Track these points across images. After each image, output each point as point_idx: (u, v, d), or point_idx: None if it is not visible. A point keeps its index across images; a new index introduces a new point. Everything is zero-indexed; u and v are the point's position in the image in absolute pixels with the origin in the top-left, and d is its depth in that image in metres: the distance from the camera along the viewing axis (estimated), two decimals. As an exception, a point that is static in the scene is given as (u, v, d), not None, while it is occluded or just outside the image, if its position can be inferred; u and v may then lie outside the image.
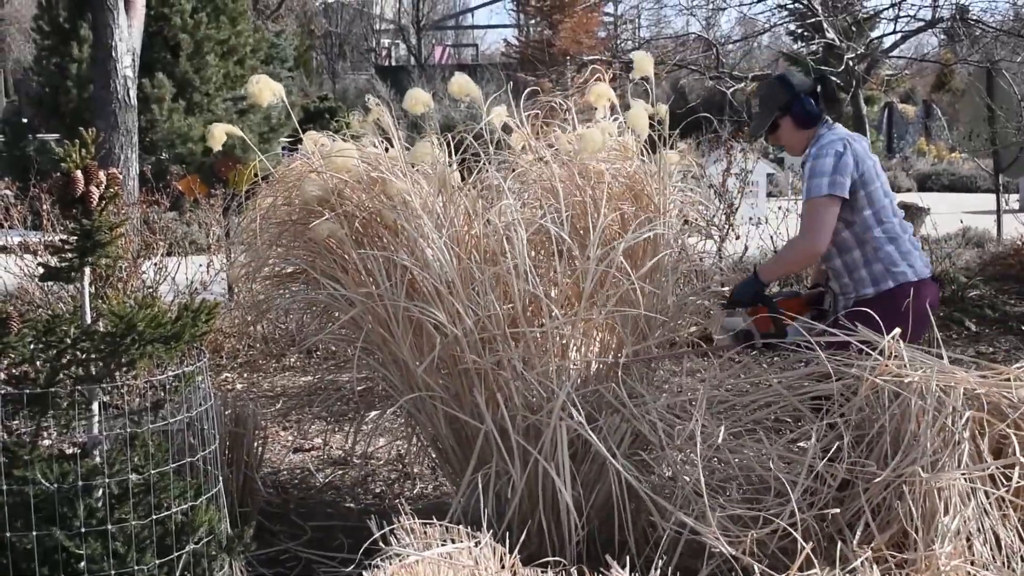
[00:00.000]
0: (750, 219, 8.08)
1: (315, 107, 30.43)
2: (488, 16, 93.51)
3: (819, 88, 4.49)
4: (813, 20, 10.93)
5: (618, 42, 25.26)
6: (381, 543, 3.38)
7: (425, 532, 3.40)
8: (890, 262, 4.30)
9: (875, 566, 3.44)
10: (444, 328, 4.12)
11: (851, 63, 10.63)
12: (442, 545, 3.31)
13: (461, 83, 4.63)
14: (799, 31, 23.62)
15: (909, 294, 4.22)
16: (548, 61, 26.90)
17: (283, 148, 20.81)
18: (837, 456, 3.69)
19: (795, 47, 24.66)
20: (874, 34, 13.40)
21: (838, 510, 3.68)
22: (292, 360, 7.43)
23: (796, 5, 11.92)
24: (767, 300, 4.37)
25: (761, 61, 21.28)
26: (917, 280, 4.30)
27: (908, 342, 3.94)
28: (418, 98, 4.66)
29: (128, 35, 9.81)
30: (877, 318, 3.98)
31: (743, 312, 4.41)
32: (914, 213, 12.83)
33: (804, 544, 3.34)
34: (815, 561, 3.37)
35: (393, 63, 49.33)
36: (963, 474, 3.56)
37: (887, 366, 3.77)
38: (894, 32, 11.66)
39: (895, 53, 12.69)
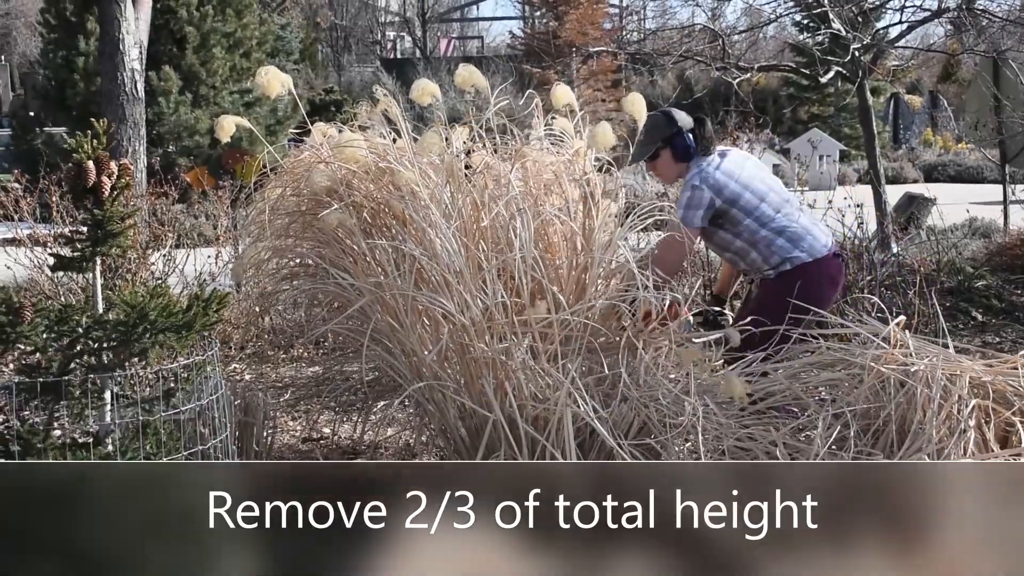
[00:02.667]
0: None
1: (321, 100, 30.46)
2: (493, 8, 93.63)
3: (698, 129, 4.93)
4: (819, 10, 10.90)
5: (624, 33, 25.27)
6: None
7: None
8: (785, 252, 4.79)
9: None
10: (452, 317, 4.15)
11: (857, 53, 10.61)
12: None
13: (466, 74, 4.66)
14: (805, 21, 23.56)
15: (806, 274, 4.73)
16: (554, 53, 26.89)
17: (289, 140, 20.86)
18: (844, 445, 3.72)
19: (801, 37, 24.65)
20: (880, 24, 13.39)
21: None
22: (300, 351, 7.45)
23: (802, -4, 11.91)
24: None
25: (767, 52, 21.28)
26: (812, 260, 4.77)
27: (815, 311, 4.46)
28: (425, 89, 4.66)
29: (135, 28, 9.84)
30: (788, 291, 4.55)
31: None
32: (920, 204, 12.84)
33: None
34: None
35: (398, 56, 49.28)
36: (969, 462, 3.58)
37: (893, 355, 3.79)
38: (900, 22, 11.61)
39: (901, 43, 12.64)
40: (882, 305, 4.49)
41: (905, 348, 3.81)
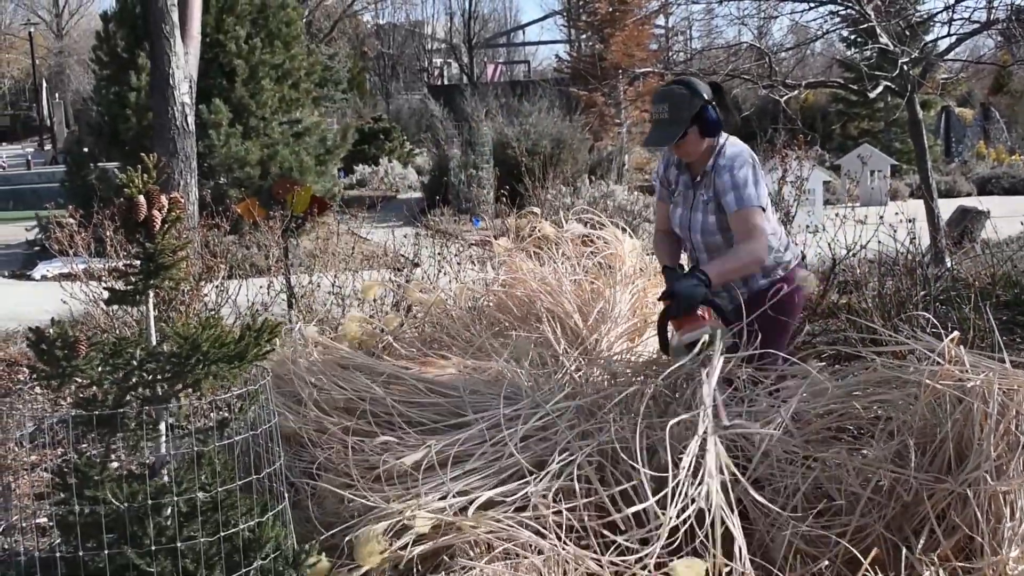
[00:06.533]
0: (807, 227, 8.03)
1: (370, 128, 30.72)
2: (539, 32, 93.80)
3: (717, 96, 4.58)
4: (866, 25, 10.84)
5: (670, 54, 25.23)
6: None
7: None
8: (777, 254, 4.59)
9: (942, 572, 3.42)
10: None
11: (906, 68, 10.54)
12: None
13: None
14: (852, 37, 23.43)
15: (792, 280, 4.58)
16: (600, 75, 26.95)
17: (339, 170, 21.01)
18: (904, 466, 3.68)
19: (848, 53, 24.49)
20: (928, 38, 13.29)
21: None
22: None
23: (849, 11, 11.83)
24: (714, 303, 4.33)
25: (815, 68, 21.18)
26: (796, 264, 4.66)
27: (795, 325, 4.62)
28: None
29: (185, 62, 9.96)
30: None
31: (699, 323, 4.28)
32: (974, 217, 12.71)
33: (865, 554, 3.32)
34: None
35: (445, 82, 49.59)
36: (1029, 478, 3.52)
37: (948, 371, 3.75)
38: (949, 35, 11.52)
39: (950, 56, 12.55)
40: (935, 321, 4.43)
41: (961, 364, 3.76)
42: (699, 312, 4.30)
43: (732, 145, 4.51)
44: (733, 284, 4.57)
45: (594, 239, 6.05)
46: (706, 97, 4.48)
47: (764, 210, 4.42)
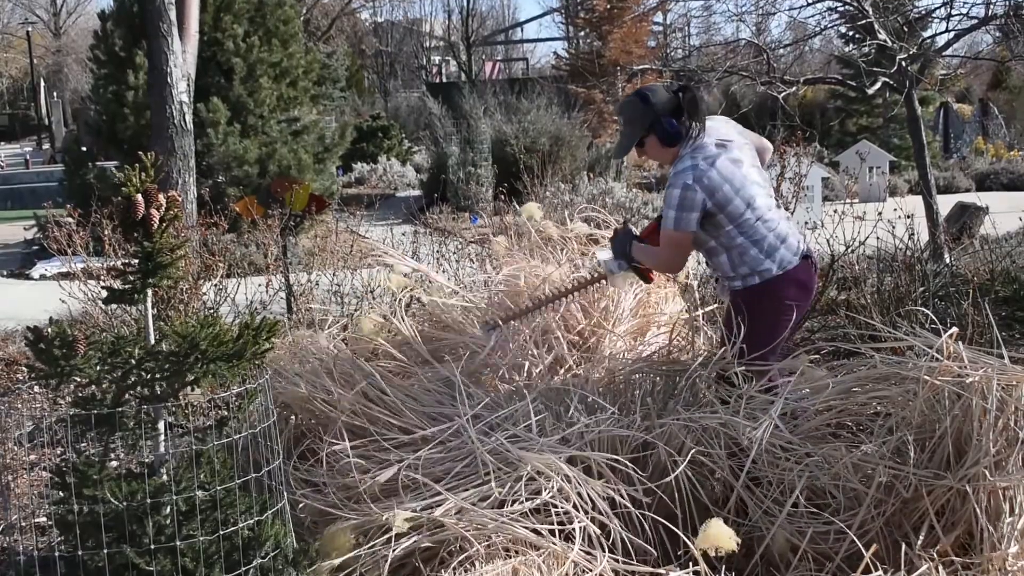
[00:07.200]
0: (805, 223, 8.04)
1: (368, 126, 30.69)
2: (537, 30, 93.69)
3: (681, 98, 4.58)
4: (864, 22, 10.82)
5: (668, 51, 25.24)
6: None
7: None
8: (755, 264, 4.55)
9: (941, 568, 3.42)
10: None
11: (904, 64, 10.53)
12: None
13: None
14: (850, 33, 23.40)
15: (777, 286, 4.56)
16: (598, 72, 26.94)
17: (338, 168, 20.99)
18: (903, 462, 3.68)
19: (847, 49, 24.47)
20: (926, 34, 13.27)
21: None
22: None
23: (847, 8, 11.82)
24: (633, 263, 4.87)
25: (813, 65, 21.18)
26: (783, 272, 4.56)
27: (791, 321, 4.57)
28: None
29: (182, 61, 9.96)
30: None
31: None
32: (972, 213, 12.70)
33: (866, 549, 3.32)
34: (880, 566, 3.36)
35: (444, 79, 49.54)
36: (1028, 474, 3.52)
37: (947, 367, 3.75)
38: (947, 31, 11.51)
39: (948, 52, 12.55)
40: (934, 317, 4.43)
41: (959, 360, 3.76)
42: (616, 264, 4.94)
43: (686, 158, 4.54)
44: (722, 276, 4.74)
45: (599, 239, 6.04)
46: (659, 108, 4.55)
47: (676, 234, 4.52)
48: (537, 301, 5.15)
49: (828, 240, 7.68)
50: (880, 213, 7.47)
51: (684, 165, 4.49)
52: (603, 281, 5.10)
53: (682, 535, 3.65)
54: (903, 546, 3.55)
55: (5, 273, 14.76)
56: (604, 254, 5.11)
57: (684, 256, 4.65)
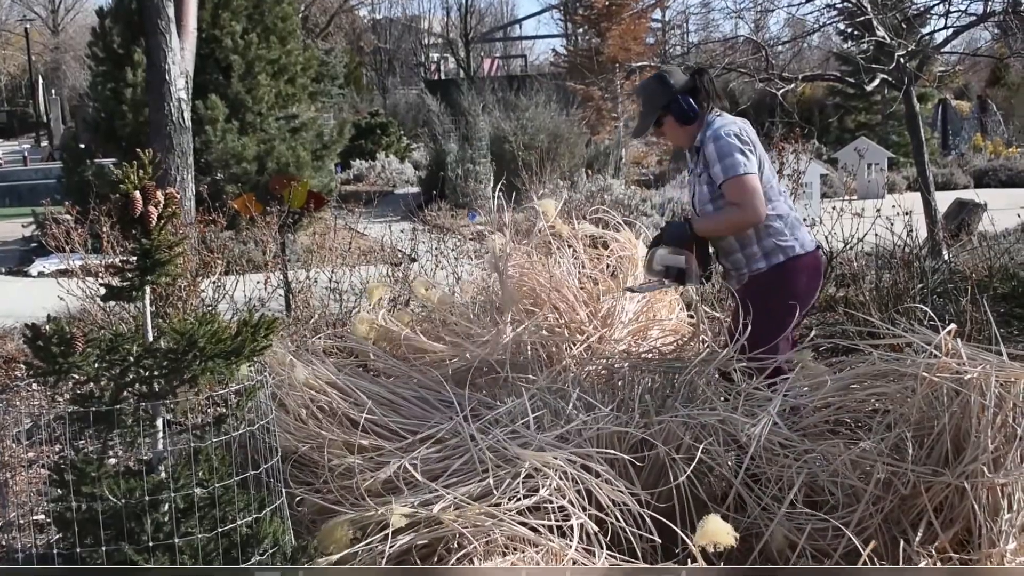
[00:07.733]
0: (804, 220, 8.04)
1: (366, 123, 30.68)
2: (536, 27, 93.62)
3: (697, 82, 4.71)
4: (863, 19, 10.83)
5: (666, 47, 25.23)
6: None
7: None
8: (779, 236, 4.58)
9: (940, 565, 3.42)
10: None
11: (902, 60, 10.53)
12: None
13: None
14: (849, 30, 23.39)
15: (798, 267, 4.59)
16: (597, 69, 26.96)
17: (336, 165, 20.98)
18: (902, 459, 3.68)
19: (845, 46, 24.47)
20: (925, 31, 13.29)
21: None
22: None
23: (845, 4, 11.82)
24: (699, 240, 4.67)
25: (811, 62, 21.15)
26: (804, 253, 4.62)
27: (800, 310, 4.49)
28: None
29: (181, 58, 9.95)
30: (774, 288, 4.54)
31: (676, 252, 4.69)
32: (971, 210, 12.69)
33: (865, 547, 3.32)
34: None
35: (442, 76, 49.53)
36: (1026, 470, 3.52)
37: (945, 363, 3.74)
38: (945, 28, 11.53)
39: (947, 49, 12.57)
40: (933, 314, 4.43)
41: (958, 356, 3.76)
42: (682, 252, 4.67)
43: (720, 118, 4.62)
44: (739, 264, 4.69)
45: (607, 240, 6.01)
46: (677, 87, 4.67)
47: (750, 175, 4.47)
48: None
49: (827, 237, 7.69)
50: (878, 210, 7.48)
51: (720, 121, 4.61)
52: (666, 282, 4.82)
53: (680, 532, 3.64)
54: (901, 542, 3.55)
55: (3, 270, 14.76)
56: (660, 251, 4.77)
57: (761, 198, 4.49)
